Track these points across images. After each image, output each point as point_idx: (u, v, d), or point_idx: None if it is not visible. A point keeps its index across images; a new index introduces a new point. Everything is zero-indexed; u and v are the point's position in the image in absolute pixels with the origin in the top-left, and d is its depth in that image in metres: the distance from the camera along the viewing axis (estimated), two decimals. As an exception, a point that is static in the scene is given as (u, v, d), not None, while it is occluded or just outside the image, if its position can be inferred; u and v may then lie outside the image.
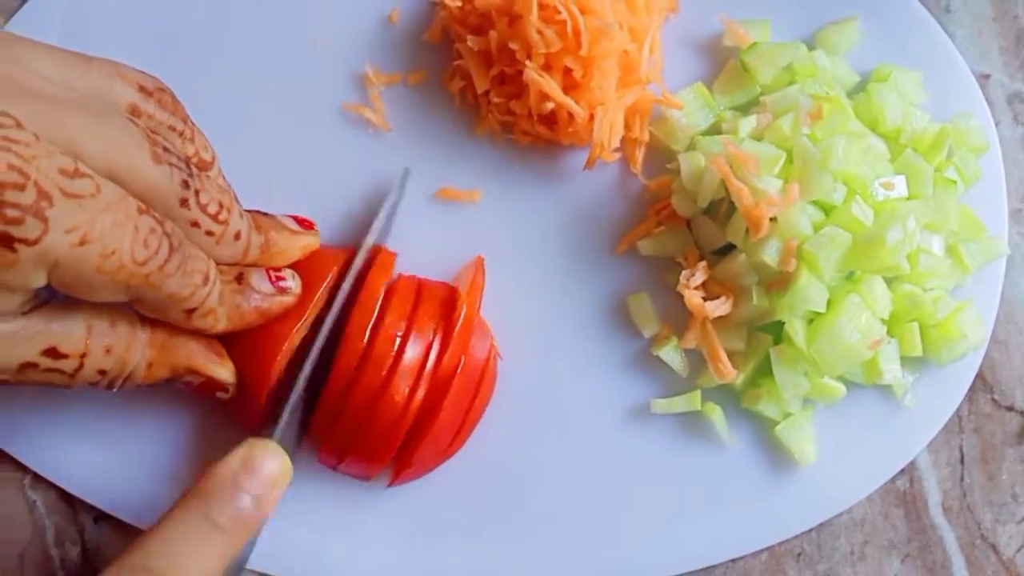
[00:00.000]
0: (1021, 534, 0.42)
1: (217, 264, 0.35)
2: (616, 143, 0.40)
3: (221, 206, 0.34)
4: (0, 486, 0.41)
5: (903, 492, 0.42)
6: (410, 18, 0.44)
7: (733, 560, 0.41)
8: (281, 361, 0.37)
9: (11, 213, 0.28)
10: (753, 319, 0.40)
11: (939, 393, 0.42)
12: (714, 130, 0.42)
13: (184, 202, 0.33)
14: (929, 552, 0.42)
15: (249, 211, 0.37)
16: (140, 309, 0.34)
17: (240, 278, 0.36)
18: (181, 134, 0.35)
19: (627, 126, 0.41)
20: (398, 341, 0.37)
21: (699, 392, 0.41)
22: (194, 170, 0.34)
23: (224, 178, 0.37)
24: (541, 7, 0.38)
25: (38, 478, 0.41)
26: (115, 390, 0.35)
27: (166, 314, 0.34)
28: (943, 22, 0.44)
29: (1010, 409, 0.43)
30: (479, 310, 0.39)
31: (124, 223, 0.30)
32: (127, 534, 0.41)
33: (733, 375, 0.39)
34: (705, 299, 0.39)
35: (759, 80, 0.42)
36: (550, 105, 0.39)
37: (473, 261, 0.41)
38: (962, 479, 0.42)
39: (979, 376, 0.43)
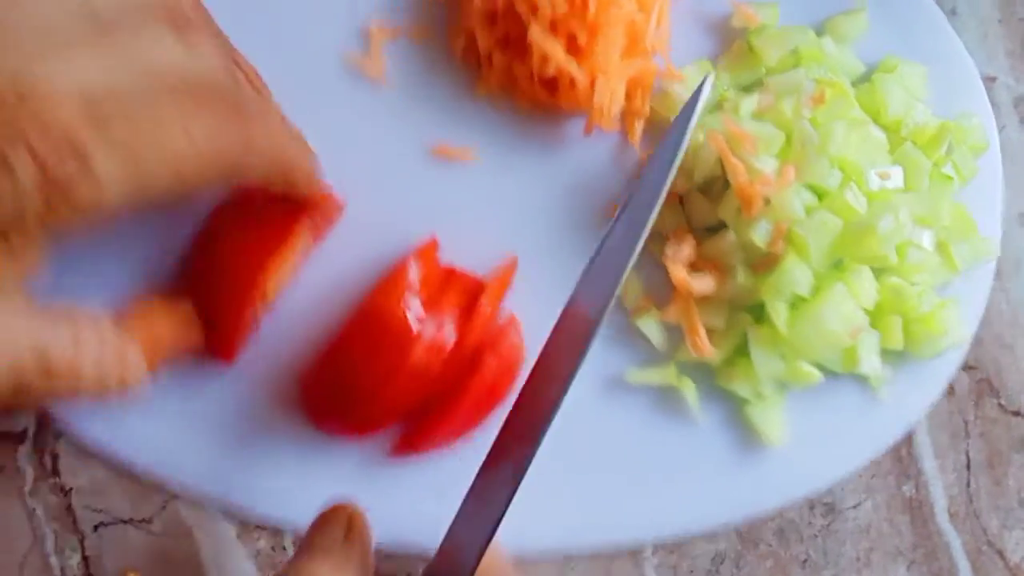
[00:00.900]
0: (1029, 540, 0.42)
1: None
2: (616, 112, 0.40)
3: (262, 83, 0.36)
4: (-1, 494, 0.41)
5: (909, 498, 0.42)
6: (419, -28, 0.43)
7: (738, 567, 0.42)
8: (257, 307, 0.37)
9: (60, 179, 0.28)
10: (736, 298, 0.40)
11: (915, 389, 0.42)
12: (715, 108, 0.42)
13: (232, 74, 0.33)
14: (935, 558, 0.42)
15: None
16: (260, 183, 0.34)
17: None
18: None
19: (628, 97, 0.41)
20: (418, 318, 0.37)
21: (675, 366, 0.41)
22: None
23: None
24: (550, -32, 0.38)
25: (37, 485, 0.41)
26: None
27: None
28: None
29: (1017, 414, 0.43)
30: (501, 304, 0.39)
31: (168, 126, 0.29)
32: (127, 541, 0.41)
33: (710, 352, 0.39)
34: (690, 274, 0.39)
35: (765, 62, 0.42)
36: (552, 68, 0.39)
37: (507, 260, 0.41)
38: (968, 485, 0.42)
39: (985, 381, 0.43)
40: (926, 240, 0.39)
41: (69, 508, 0.41)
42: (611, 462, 0.41)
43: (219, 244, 0.38)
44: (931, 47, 0.43)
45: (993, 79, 0.45)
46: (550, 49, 0.39)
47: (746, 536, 0.42)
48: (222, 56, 0.33)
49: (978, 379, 0.43)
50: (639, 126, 0.42)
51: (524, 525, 0.41)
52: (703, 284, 0.39)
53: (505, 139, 0.42)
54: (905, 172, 0.39)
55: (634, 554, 0.42)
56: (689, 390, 0.41)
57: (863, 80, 0.42)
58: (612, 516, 0.41)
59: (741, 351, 0.40)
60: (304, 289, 0.41)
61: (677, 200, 0.41)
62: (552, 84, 0.41)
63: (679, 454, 0.41)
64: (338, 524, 0.33)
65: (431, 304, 0.38)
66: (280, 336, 0.41)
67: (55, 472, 0.41)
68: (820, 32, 0.42)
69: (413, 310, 0.37)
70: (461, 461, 0.40)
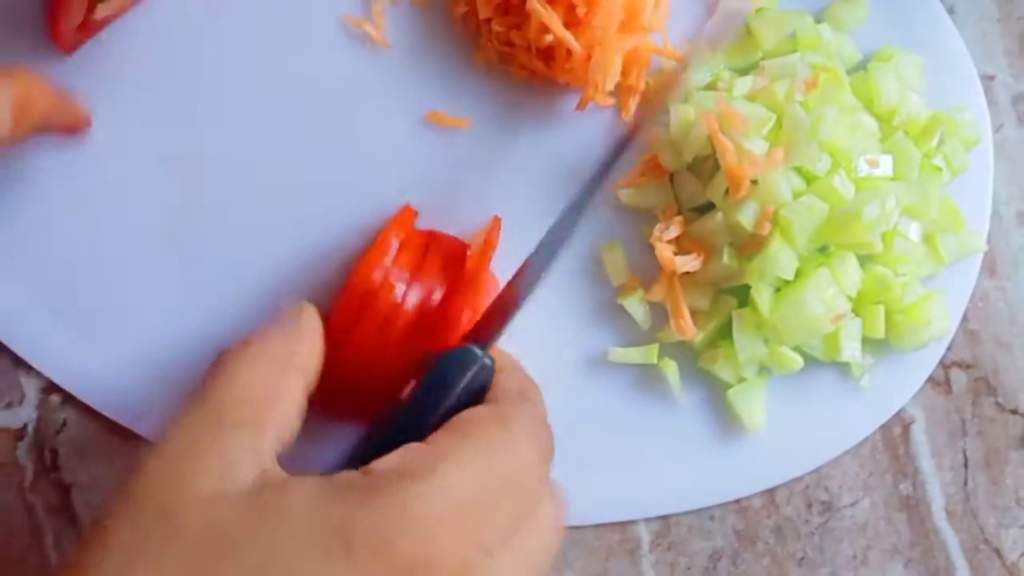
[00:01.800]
0: (1026, 538, 0.42)
1: None
2: (611, 86, 0.40)
3: None
4: (-2, 490, 0.41)
5: (906, 496, 0.42)
6: (423, -62, 0.43)
7: (735, 564, 0.42)
8: None
9: None
10: (721, 280, 0.40)
11: (896, 380, 0.42)
12: (710, 88, 0.42)
13: None
14: (932, 557, 0.42)
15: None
16: None
17: None
18: None
19: (624, 72, 0.41)
20: (401, 288, 0.37)
21: (657, 346, 0.41)
22: None
23: None
24: (551, -62, 0.38)
25: (37, 481, 0.41)
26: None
27: None
28: (947, 23, 0.44)
29: (1014, 412, 0.43)
30: (488, 267, 0.39)
31: None
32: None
33: (693, 333, 0.39)
34: (676, 254, 0.39)
35: (762, 45, 0.42)
36: (549, 38, 0.39)
37: (490, 220, 0.41)
38: (965, 483, 0.42)
39: (983, 379, 0.43)
40: (913, 231, 0.39)
41: (68, 504, 0.41)
42: (591, 439, 0.41)
43: None
44: (929, 39, 0.43)
45: (991, 77, 0.45)
46: (548, 18, 0.39)
47: (743, 533, 0.42)
48: None
49: (975, 378, 0.43)
50: (633, 102, 0.42)
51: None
52: (689, 264, 0.39)
53: (499, 109, 0.42)
54: (895, 161, 0.39)
55: (631, 551, 0.42)
56: (671, 371, 0.41)
57: (859, 69, 0.42)
58: (591, 493, 0.41)
59: (724, 334, 0.40)
60: (292, 252, 0.41)
61: (667, 179, 0.41)
62: (549, 54, 0.41)
63: (659, 434, 0.41)
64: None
65: (414, 270, 0.38)
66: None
67: (55, 467, 0.41)
68: (819, 18, 0.42)
69: (395, 280, 0.37)
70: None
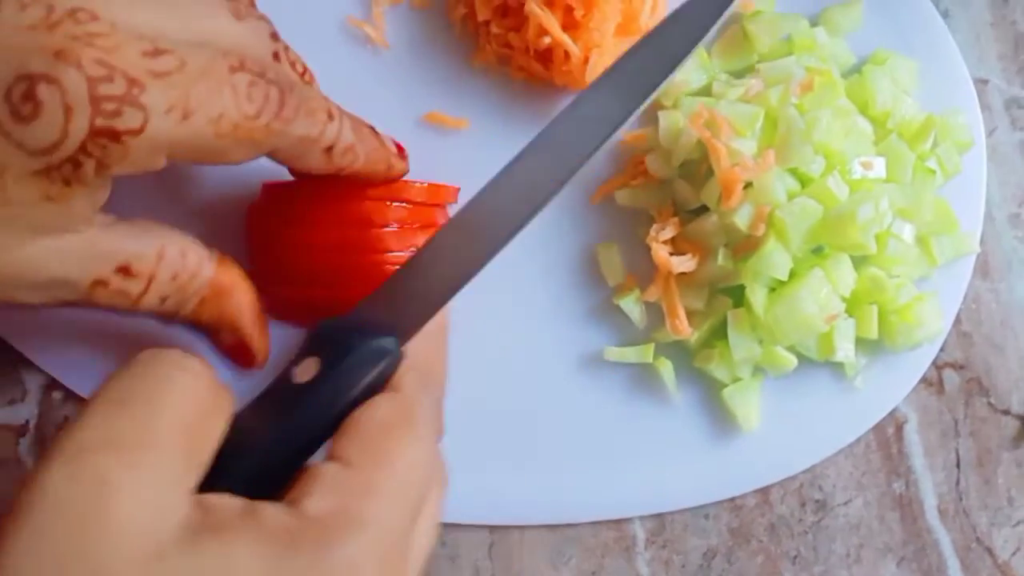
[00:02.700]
0: (1017, 537, 0.42)
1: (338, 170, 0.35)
2: (608, 89, 0.41)
3: (306, 68, 0.35)
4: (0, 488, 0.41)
5: (899, 495, 0.43)
6: (422, -59, 0.44)
7: (729, 562, 0.42)
8: None
9: (108, 106, 0.28)
10: (716, 280, 0.40)
11: (889, 380, 0.42)
12: (705, 91, 0.42)
13: (276, 56, 0.33)
14: (925, 555, 0.42)
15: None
16: (280, 160, 0.34)
17: (372, 129, 0.37)
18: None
19: (621, 75, 0.42)
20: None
21: (653, 345, 0.41)
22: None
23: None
24: (550, -59, 0.39)
25: None
26: (172, 322, 0.35)
27: (307, 160, 0.34)
28: (941, 27, 0.44)
29: (1006, 413, 0.43)
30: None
31: (219, 87, 0.30)
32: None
33: (688, 332, 0.40)
34: (672, 254, 0.40)
35: (757, 48, 0.42)
36: (547, 40, 0.40)
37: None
38: (958, 483, 0.43)
39: (975, 380, 0.43)
40: (907, 232, 0.40)
41: None
42: (586, 438, 0.41)
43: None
44: (923, 43, 0.43)
45: (985, 81, 0.45)
46: (546, 21, 0.39)
47: (737, 532, 0.42)
48: (268, 36, 0.34)
49: (968, 378, 0.43)
50: (630, 105, 0.42)
51: (495, 495, 0.41)
52: (684, 264, 0.40)
53: (498, 111, 0.43)
54: (889, 163, 0.39)
55: (627, 548, 0.42)
56: (667, 370, 0.41)
57: (853, 72, 0.42)
58: (586, 490, 0.41)
59: (719, 334, 0.41)
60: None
61: (663, 180, 0.42)
62: (547, 56, 0.41)
63: (654, 433, 0.42)
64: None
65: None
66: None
67: None
68: (815, 22, 0.43)
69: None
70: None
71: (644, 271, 0.42)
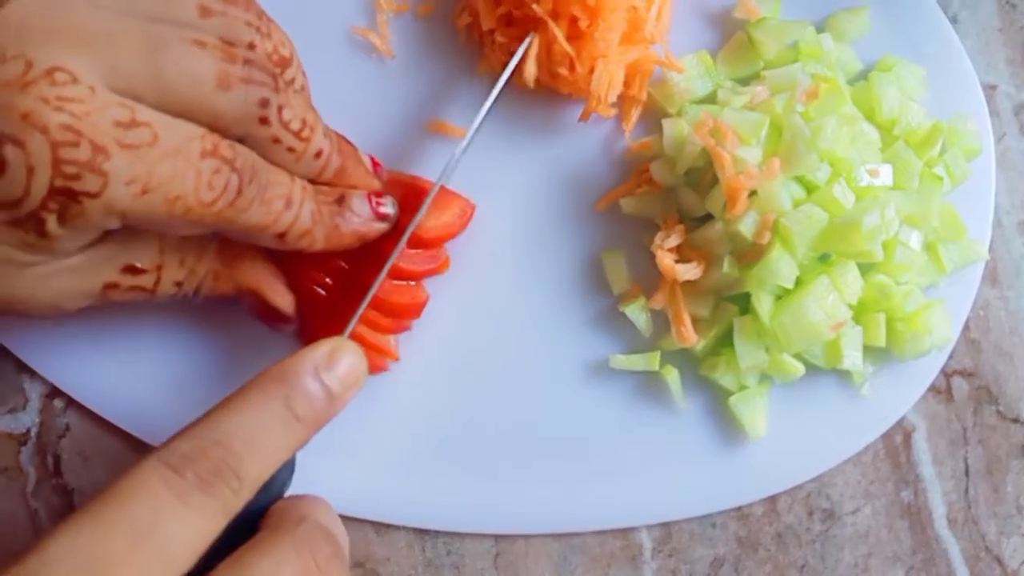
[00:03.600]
0: (1027, 546, 0.42)
1: (315, 183, 0.36)
2: (613, 98, 0.41)
3: (304, 123, 0.34)
4: (1, 495, 0.41)
5: (908, 504, 0.42)
6: (427, -51, 0.44)
7: (736, 571, 0.42)
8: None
9: (68, 169, 0.29)
10: (722, 288, 0.40)
11: (897, 388, 0.42)
12: (711, 98, 0.42)
13: (264, 120, 0.33)
14: (933, 564, 0.42)
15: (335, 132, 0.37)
16: (230, 236, 0.34)
17: (341, 200, 0.36)
18: (258, 29, 0.34)
19: (626, 83, 0.41)
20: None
21: (659, 353, 0.41)
22: (280, 82, 0.33)
23: (304, 75, 0.37)
24: (554, -49, 0.39)
25: (40, 486, 0.41)
26: (196, 301, 0.36)
27: (258, 240, 0.34)
28: (949, 32, 0.44)
29: (1015, 421, 0.43)
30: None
31: (185, 169, 0.30)
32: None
33: (694, 340, 0.40)
34: (677, 262, 0.40)
35: (763, 55, 0.42)
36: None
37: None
38: (967, 491, 0.42)
39: (984, 388, 0.43)
40: (914, 240, 0.39)
41: (71, 509, 0.41)
42: (593, 446, 0.41)
43: None
44: (931, 48, 0.43)
45: (994, 87, 0.45)
46: (551, 31, 0.39)
47: (745, 541, 0.42)
48: (256, 104, 0.33)
49: (977, 386, 0.43)
50: (635, 113, 0.42)
51: (500, 504, 0.41)
52: (689, 272, 0.39)
53: (501, 120, 0.43)
54: (896, 171, 0.39)
55: (633, 557, 0.42)
56: (673, 378, 0.41)
57: (860, 79, 0.42)
58: (593, 499, 0.41)
59: (725, 341, 0.41)
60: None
61: (668, 188, 0.42)
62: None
63: (661, 441, 0.41)
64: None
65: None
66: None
67: (57, 473, 0.41)
68: (821, 28, 0.43)
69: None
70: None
71: (649, 279, 0.41)
